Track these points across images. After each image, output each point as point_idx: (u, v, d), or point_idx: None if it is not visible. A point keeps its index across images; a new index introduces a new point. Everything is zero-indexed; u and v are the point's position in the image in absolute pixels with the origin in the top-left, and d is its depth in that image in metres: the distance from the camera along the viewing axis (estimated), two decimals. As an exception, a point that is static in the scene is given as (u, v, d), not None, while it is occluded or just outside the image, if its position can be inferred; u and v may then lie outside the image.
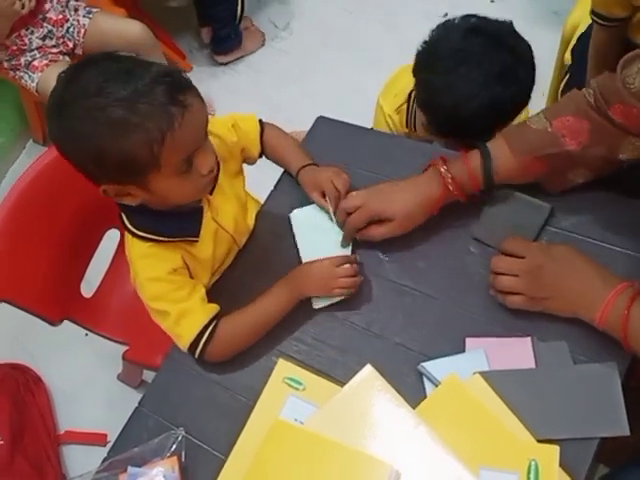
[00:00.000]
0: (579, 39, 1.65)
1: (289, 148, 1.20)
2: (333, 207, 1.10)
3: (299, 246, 1.12)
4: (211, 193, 1.05)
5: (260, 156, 1.22)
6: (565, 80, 1.68)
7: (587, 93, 1.00)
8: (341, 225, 1.10)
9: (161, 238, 1.01)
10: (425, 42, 1.25)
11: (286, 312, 1.05)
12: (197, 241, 1.04)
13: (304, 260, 1.09)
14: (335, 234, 1.10)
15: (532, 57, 1.23)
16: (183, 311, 1.01)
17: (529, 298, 0.98)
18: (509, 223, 1.06)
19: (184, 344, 1.03)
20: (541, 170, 1.04)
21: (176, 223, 1.01)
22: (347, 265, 1.04)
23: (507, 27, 1.23)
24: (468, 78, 1.18)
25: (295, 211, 1.15)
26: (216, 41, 2.52)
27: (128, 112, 0.83)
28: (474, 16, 1.24)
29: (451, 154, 1.09)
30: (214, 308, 1.05)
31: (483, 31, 1.21)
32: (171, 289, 1.01)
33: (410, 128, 1.45)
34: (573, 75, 1.65)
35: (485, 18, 1.24)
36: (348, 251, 1.09)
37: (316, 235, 1.12)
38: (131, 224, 1.01)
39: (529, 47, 1.23)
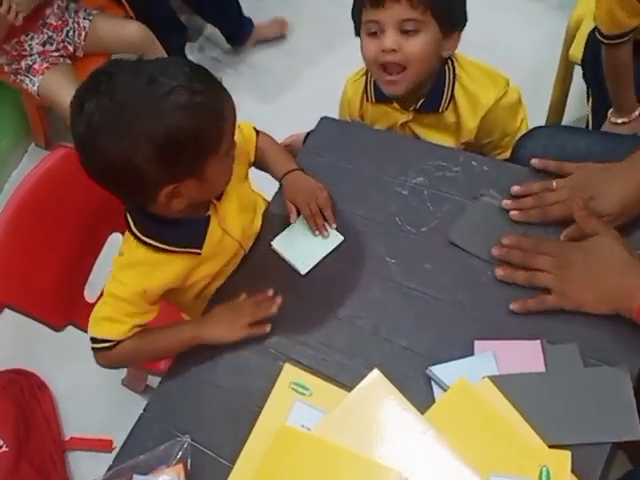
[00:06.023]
0: (587, 54, 1.58)
1: (278, 153, 1.21)
2: (312, 225, 1.12)
3: (292, 262, 1.12)
4: (219, 199, 1.06)
5: (253, 163, 1.20)
6: (590, 103, 1.62)
7: None
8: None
9: (165, 246, 1.01)
10: None
11: (182, 350, 1.07)
12: (200, 254, 1.05)
13: (302, 268, 1.10)
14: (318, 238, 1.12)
15: None
16: (114, 318, 1.04)
17: (561, 295, 0.95)
18: (488, 228, 1.05)
19: (90, 333, 1.06)
20: None
21: (182, 233, 1.02)
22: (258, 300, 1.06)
23: None
24: None
25: (275, 240, 1.14)
26: (227, 38, 2.51)
27: (213, 101, 0.91)
28: None
29: (469, 156, 1.07)
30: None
31: None
32: (126, 300, 1.03)
33: (370, 99, 1.37)
34: (596, 97, 1.58)
35: None
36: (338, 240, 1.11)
37: (302, 246, 1.12)
38: (137, 229, 1.01)
39: None
